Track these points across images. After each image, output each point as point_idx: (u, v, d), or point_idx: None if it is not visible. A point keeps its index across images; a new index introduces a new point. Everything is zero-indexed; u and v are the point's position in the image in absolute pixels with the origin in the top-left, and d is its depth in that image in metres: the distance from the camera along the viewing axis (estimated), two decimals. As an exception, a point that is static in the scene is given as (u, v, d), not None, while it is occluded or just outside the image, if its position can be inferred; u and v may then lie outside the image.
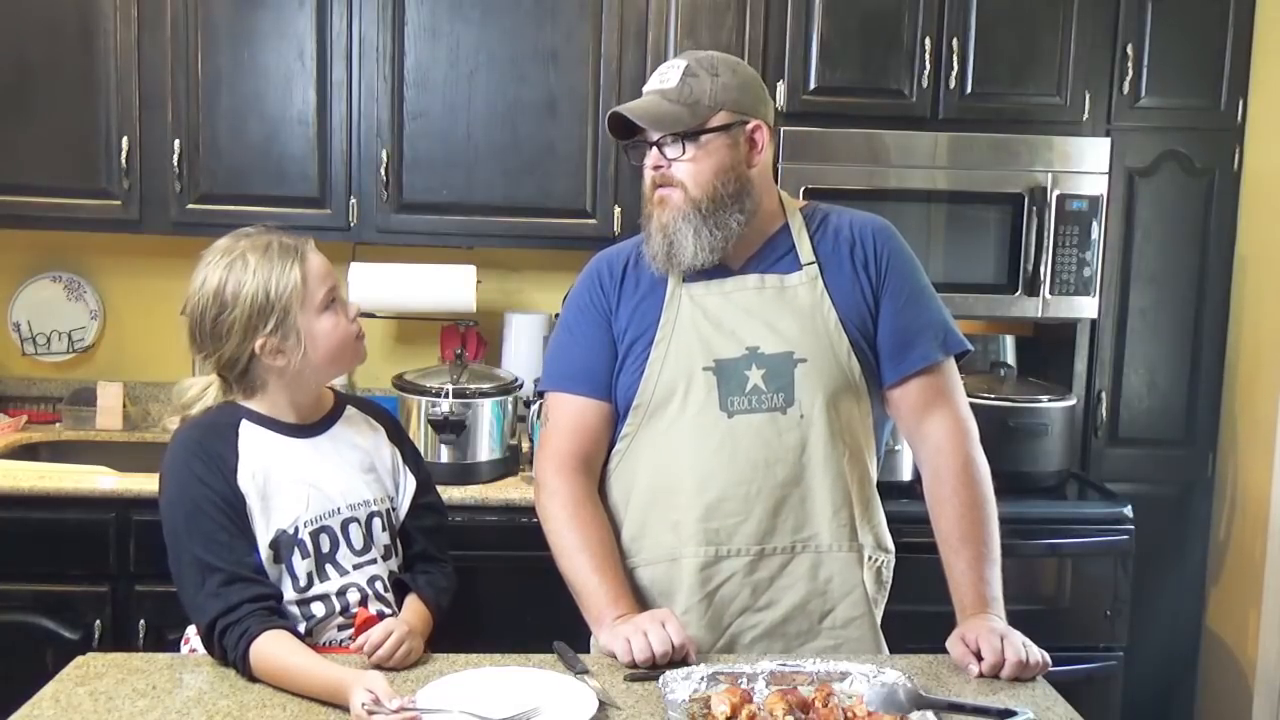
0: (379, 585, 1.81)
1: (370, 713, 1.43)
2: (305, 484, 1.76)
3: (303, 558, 1.74)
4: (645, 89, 1.84)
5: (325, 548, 1.76)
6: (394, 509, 1.88)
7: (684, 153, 1.78)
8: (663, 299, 1.85)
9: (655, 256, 1.83)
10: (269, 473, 1.74)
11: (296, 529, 1.73)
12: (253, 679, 1.61)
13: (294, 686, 1.58)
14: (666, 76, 1.80)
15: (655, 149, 1.79)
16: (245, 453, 1.74)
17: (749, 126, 1.81)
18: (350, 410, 1.91)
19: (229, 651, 1.63)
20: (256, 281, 1.74)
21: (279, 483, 1.74)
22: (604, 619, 1.74)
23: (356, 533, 1.80)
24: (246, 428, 1.77)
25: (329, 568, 1.76)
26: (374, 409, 1.96)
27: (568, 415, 1.88)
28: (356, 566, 1.79)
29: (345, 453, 1.84)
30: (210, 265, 1.77)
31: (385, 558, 1.84)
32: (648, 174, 1.82)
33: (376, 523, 1.83)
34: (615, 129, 1.82)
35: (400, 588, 1.85)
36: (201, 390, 1.82)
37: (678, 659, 1.66)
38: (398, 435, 1.96)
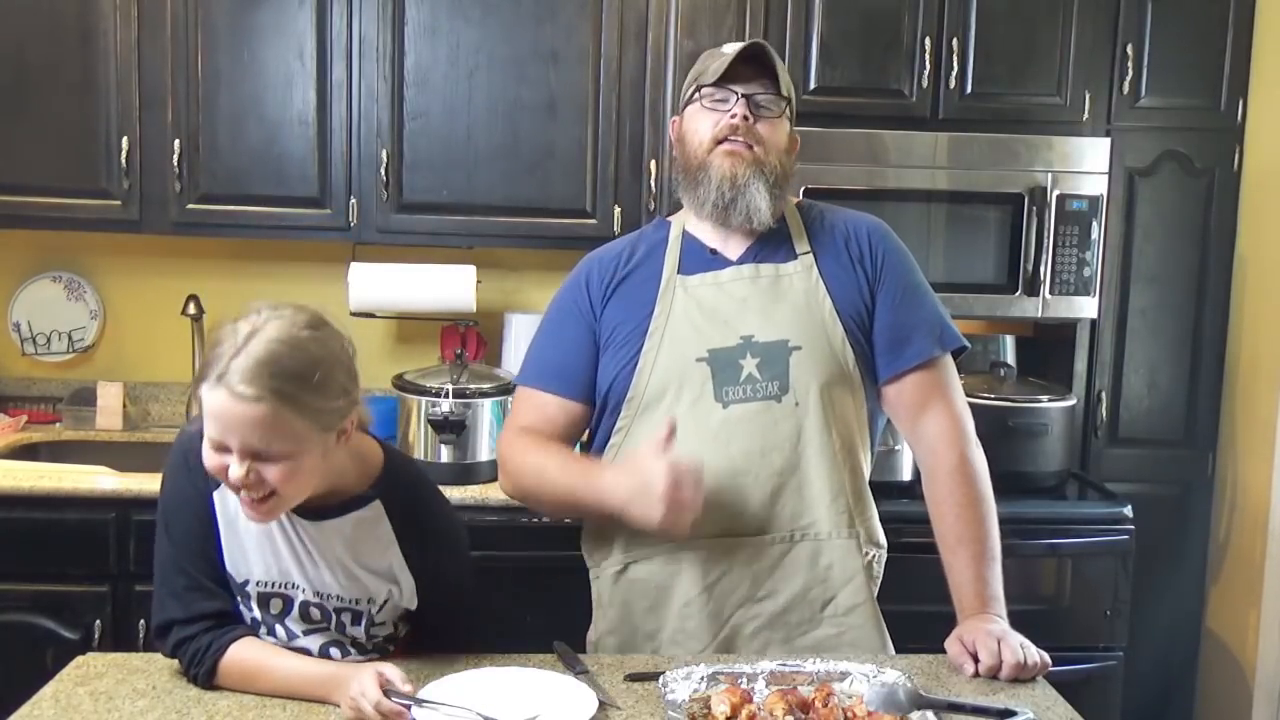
0: (334, 651, 1.68)
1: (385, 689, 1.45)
2: (270, 553, 1.64)
3: (248, 611, 1.66)
4: (726, 50, 1.83)
5: (275, 610, 1.66)
6: (373, 608, 1.68)
7: (778, 114, 1.83)
8: (656, 292, 1.84)
9: (707, 203, 1.82)
10: (242, 519, 1.61)
11: (247, 582, 1.65)
12: (211, 688, 1.57)
13: (273, 684, 1.56)
14: (752, 51, 1.81)
15: (745, 100, 1.80)
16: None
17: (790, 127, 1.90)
18: (373, 509, 1.66)
19: (191, 661, 1.59)
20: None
21: (245, 534, 1.63)
22: (603, 482, 1.71)
23: (316, 614, 1.67)
24: None
25: (278, 628, 1.67)
26: (401, 504, 1.69)
27: (533, 409, 1.88)
28: (307, 633, 1.67)
29: (332, 547, 1.64)
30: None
31: (346, 647, 1.69)
32: (722, 122, 1.80)
33: (346, 616, 1.67)
34: (724, 72, 1.79)
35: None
36: None
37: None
38: (408, 534, 1.70)
